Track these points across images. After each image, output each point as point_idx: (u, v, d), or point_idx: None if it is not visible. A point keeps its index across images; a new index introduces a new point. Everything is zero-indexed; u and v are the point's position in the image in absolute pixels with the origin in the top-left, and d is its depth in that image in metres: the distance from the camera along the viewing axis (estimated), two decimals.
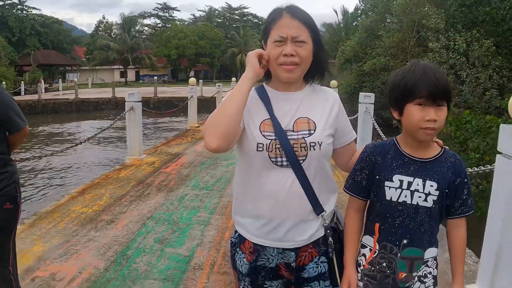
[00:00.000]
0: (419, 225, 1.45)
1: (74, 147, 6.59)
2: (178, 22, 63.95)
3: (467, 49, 12.02)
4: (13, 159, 2.57)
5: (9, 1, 44.87)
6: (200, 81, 28.30)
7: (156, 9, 70.70)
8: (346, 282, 1.54)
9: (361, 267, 1.56)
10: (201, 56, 51.68)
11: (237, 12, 71.77)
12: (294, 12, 1.48)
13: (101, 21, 60.67)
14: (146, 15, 70.28)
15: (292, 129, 1.49)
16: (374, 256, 1.52)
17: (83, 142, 6.67)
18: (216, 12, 70.02)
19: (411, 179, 1.45)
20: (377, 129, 7.04)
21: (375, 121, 7.49)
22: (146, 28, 68.66)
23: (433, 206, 1.44)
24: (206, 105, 21.70)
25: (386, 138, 1.60)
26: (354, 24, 29.72)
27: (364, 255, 1.56)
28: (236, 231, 1.64)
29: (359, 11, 26.78)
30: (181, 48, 49.48)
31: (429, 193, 1.43)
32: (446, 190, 1.45)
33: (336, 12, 36.92)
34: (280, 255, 1.55)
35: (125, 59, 50.20)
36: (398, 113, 1.46)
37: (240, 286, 1.61)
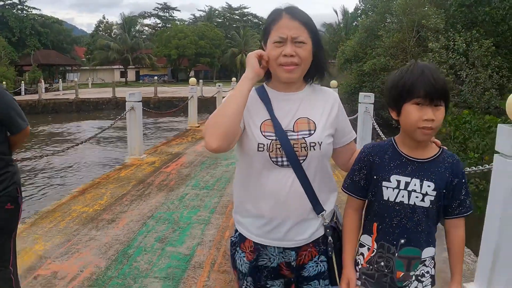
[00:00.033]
0: (416, 225, 1.46)
1: (74, 147, 6.60)
2: (178, 22, 63.97)
3: (467, 49, 12.04)
4: (15, 159, 2.57)
5: (9, 1, 44.90)
6: (200, 81, 28.32)
7: (156, 9, 70.77)
8: (345, 281, 1.55)
9: (359, 266, 1.57)
10: (201, 56, 51.70)
11: (237, 12, 71.79)
12: (294, 13, 1.49)
13: (101, 21, 60.73)
14: (146, 15, 70.34)
15: (292, 129, 1.50)
16: (372, 255, 1.53)
17: (84, 142, 6.69)
18: (216, 12, 70.05)
19: (408, 179, 1.45)
20: (377, 129, 7.06)
21: (374, 121, 7.51)
22: (146, 28, 68.77)
23: (430, 206, 1.45)
24: (206, 105, 21.71)
25: (385, 138, 1.61)
26: (354, 24, 29.74)
27: (362, 254, 1.57)
28: (236, 230, 1.65)
29: (359, 11, 26.78)
30: (181, 48, 49.50)
31: (426, 193, 1.44)
32: (444, 191, 1.45)
33: (336, 12, 36.92)
34: (280, 254, 1.56)
35: (125, 59, 50.23)
36: (396, 113, 1.46)
37: (243, 286, 1.61)
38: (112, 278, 3.23)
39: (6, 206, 2.29)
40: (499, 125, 2.69)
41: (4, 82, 27.49)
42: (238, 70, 53.23)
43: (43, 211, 4.81)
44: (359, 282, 1.55)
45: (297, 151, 1.48)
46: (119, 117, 7.53)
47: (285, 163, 1.48)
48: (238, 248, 1.63)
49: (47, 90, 33.60)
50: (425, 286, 1.50)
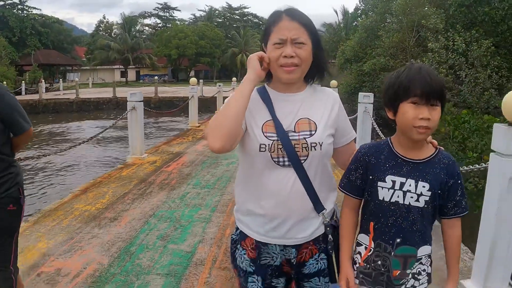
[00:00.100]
0: (411, 224, 1.47)
1: (75, 147, 6.65)
2: (178, 22, 63.96)
3: (466, 49, 12.06)
4: (18, 158, 2.57)
5: (9, 1, 44.88)
6: (201, 81, 28.33)
7: (156, 9, 70.73)
8: (344, 278, 1.57)
9: (357, 265, 1.59)
10: (202, 56, 51.69)
11: (237, 12, 71.76)
12: (293, 14, 1.51)
13: (101, 21, 60.77)
14: (146, 15, 70.31)
15: (293, 130, 1.52)
16: (369, 254, 1.55)
17: (86, 141, 6.74)
18: (217, 12, 70.02)
19: (403, 179, 1.47)
20: (376, 129, 7.11)
21: (374, 121, 7.55)
22: (147, 28, 68.72)
23: (425, 206, 1.46)
24: (207, 105, 21.77)
25: (385, 138, 1.64)
26: (354, 24, 29.72)
27: (359, 253, 1.59)
28: (237, 228, 1.68)
29: (359, 11, 26.79)
30: (181, 48, 49.50)
31: (421, 194, 1.45)
32: (439, 191, 1.47)
33: (336, 12, 36.95)
34: (281, 252, 1.58)
35: (126, 59, 50.23)
36: (393, 113, 1.48)
37: (250, 285, 1.62)
38: (115, 275, 3.28)
39: (8, 207, 2.30)
40: (495, 124, 2.74)
41: (4, 82, 27.51)
42: (239, 70, 53.26)
43: (46, 210, 4.85)
44: (357, 281, 1.57)
45: (298, 151, 1.50)
46: (121, 116, 7.58)
47: (286, 163, 1.50)
48: (238, 246, 1.65)
49: (47, 90, 33.61)
50: (422, 284, 1.52)
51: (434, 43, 12.61)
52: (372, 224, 1.54)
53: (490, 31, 12.65)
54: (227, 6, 70.99)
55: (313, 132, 1.52)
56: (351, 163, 1.60)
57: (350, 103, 13.89)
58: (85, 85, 40.57)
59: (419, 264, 1.50)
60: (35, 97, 27.63)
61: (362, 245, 1.58)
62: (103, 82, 48.74)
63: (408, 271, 1.49)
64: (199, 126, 12.59)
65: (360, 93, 8.28)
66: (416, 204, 1.45)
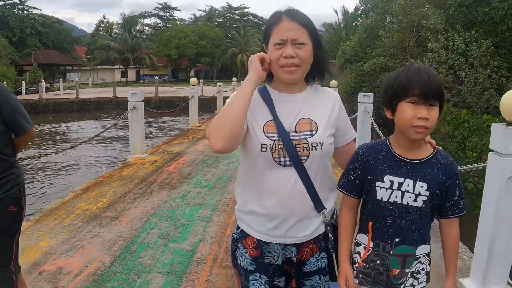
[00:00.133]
0: (410, 224, 1.48)
1: (76, 146, 6.68)
2: (178, 22, 63.99)
3: (466, 49, 12.06)
4: (19, 157, 2.59)
5: (9, 1, 44.85)
6: (201, 81, 28.35)
7: (156, 9, 70.77)
8: (343, 277, 1.58)
9: (356, 265, 1.60)
10: (202, 56, 51.71)
11: (237, 12, 71.76)
12: (293, 15, 1.52)
13: (101, 20, 60.84)
14: (146, 15, 70.33)
15: (294, 130, 1.53)
16: (368, 253, 1.56)
17: (87, 141, 6.77)
18: (217, 12, 70.02)
19: (401, 179, 1.48)
20: (376, 129, 7.13)
21: (374, 121, 7.57)
22: (147, 28, 68.75)
23: (423, 206, 1.47)
24: (207, 105, 21.78)
25: (383, 138, 1.65)
26: (354, 24, 29.73)
27: (359, 252, 1.60)
28: (238, 227, 1.69)
29: (359, 11, 26.78)
30: (181, 48, 49.52)
31: (419, 194, 1.46)
32: (437, 191, 1.47)
33: (336, 12, 36.91)
34: (282, 251, 1.60)
35: (126, 59, 50.24)
36: (391, 112, 1.49)
37: (252, 283, 1.63)
38: (117, 273, 3.30)
39: (9, 208, 2.29)
40: (493, 124, 2.76)
41: (4, 82, 27.51)
42: (239, 70, 53.26)
43: (47, 209, 4.88)
44: (356, 281, 1.58)
45: (299, 151, 1.51)
46: (122, 116, 7.61)
47: (287, 162, 1.51)
48: (239, 245, 1.66)
49: (47, 90, 33.61)
50: (421, 282, 1.53)
51: (434, 43, 12.62)
52: (370, 223, 1.55)
53: (490, 31, 12.65)
54: (227, 6, 71.01)
55: (314, 132, 1.53)
56: (349, 163, 1.61)
57: (350, 103, 13.89)
58: (85, 85, 40.58)
59: (418, 263, 1.51)
60: (35, 97, 27.66)
61: (361, 244, 1.59)
62: (103, 82, 48.75)
63: (407, 270, 1.50)
64: (199, 126, 12.62)
65: (360, 93, 8.30)
66: (414, 204, 1.46)
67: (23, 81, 32.92)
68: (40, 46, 44.11)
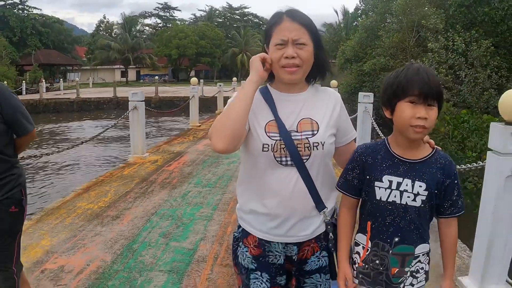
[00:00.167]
0: (409, 224, 1.49)
1: (78, 146, 6.70)
2: (178, 22, 64.02)
3: (466, 49, 12.08)
4: (21, 156, 2.59)
5: (10, 1, 44.87)
6: (201, 80, 28.37)
7: (157, 9, 70.78)
8: (342, 277, 1.59)
9: (356, 265, 1.60)
10: (202, 56, 51.72)
11: (237, 12, 71.76)
12: (294, 15, 1.52)
13: (101, 20, 60.84)
14: (147, 14, 70.33)
15: (296, 130, 1.54)
16: (367, 253, 1.56)
17: (87, 141, 6.78)
18: (217, 12, 70.04)
19: (400, 179, 1.48)
20: (376, 129, 7.15)
21: (374, 121, 7.59)
22: (147, 28, 68.72)
23: (422, 205, 1.47)
24: (207, 105, 21.81)
25: (382, 138, 1.66)
26: (354, 24, 29.73)
27: (358, 253, 1.60)
28: (239, 226, 1.70)
29: (360, 11, 26.79)
30: (181, 48, 49.54)
31: (418, 194, 1.46)
32: (435, 191, 1.48)
33: (336, 12, 36.91)
34: (284, 250, 1.61)
35: (126, 59, 50.25)
36: (390, 112, 1.49)
37: (253, 281, 1.63)
38: (118, 271, 3.32)
39: (10, 209, 2.28)
40: (492, 123, 2.78)
41: (5, 82, 27.52)
42: (239, 70, 53.28)
43: (48, 208, 4.90)
44: (356, 281, 1.59)
45: (301, 151, 1.52)
46: (123, 116, 7.63)
47: (289, 162, 1.52)
48: (240, 243, 1.67)
49: (48, 89, 33.63)
50: (420, 281, 1.54)
51: (434, 43, 12.63)
52: (369, 223, 1.55)
53: (489, 31, 12.67)
54: (227, 6, 71.02)
55: (315, 132, 1.54)
56: (348, 163, 1.61)
57: (350, 103, 13.90)
58: (86, 85, 40.61)
59: (417, 262, 1.52)
60: (35, 96, 27.70)
61: (359, 245, 1.60)
62: (103, 82, 48.77)
63: (406, 269, 1.51)
64: (199, 126, 12.64)
65: (360, 93, 8.32)
66: (413, 203, 1.47)
67: (24, 81, 32.95)
68: (40, 46, 44.11)
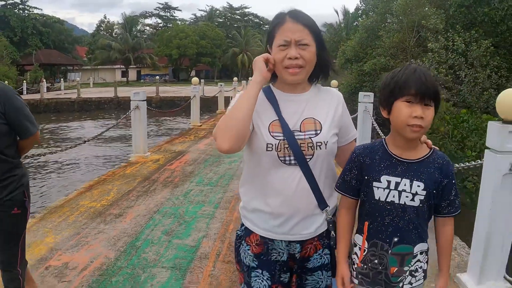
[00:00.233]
0: (408, 223, 1.49)
1: (78, 145, 6.75)
2: (179, 22, 64.12)
3: (466, 49, 12.09)
4: (25, 155, 2.51)
5: (10, 1, 44.95)
6: (202, 80, 28.38)
7: (157, 8, 70.90)
8: (339, 278, 1.60)
9: (355, 265, 1.60)
10: (202, 55, 51.76)
11: (238, 12, 71.84)
12: (297, 16, 1.53)
13: (102, 20, 60.93)
14: (147, 14, 70.44)
15: (299, 130, 1.56)
16: (364, 254, 1.57)
17: (90, 139, 6.83)
18: (217, 12, 70.14)
19: (398, 179, 1.48)
20: (377, 128, 7.18)
21: (374, 120, 7.63)
22: (148, 27, 68.80)
23: (420, 205, 1.48)
24: (208, 105, 21.86)
25: (379, 138, 1.68)
26: (354, 24, 29.71)
27: (356, 253, 1.61)
28: (242, 224, 1.72)
29: (360, 12, 26.78)
30: (182, 47, 49.57)
31: (416, 193, 1.47)
32: (434, 191, 1.48)
33: (337, 12, 36.84)
34: (287, 247, 1.63)
35: (127, 59, 50.27)
36: (387, 112, 1.50)
37: (254, 279, 1.65)
38: (122, 268, 3.37)
39: (12, 211, 2.26)
40: (489, 122, 2.82)
41: (6, 82, 27.43)
42: (239, 70, 53.37)
43: (51, 206, 4.96)
44: (356, 281, 1.60)
45: (304, 150, 1.53)
46: (125, 115, 7.68)
47: (292, 161, 1.54)
48: (243, 242, 1.68)
49: (48, 89, 33.65)
50: (418, 280, 1.55)
51: (434, 43, 12.64)
52: (366, 224, 1.56)
53: (489, 31, 12.68)
54: (228, 6, 71.10)
55: (318, 132, 1.56)
56: (346, 164, 1.62)
57: (350, 103, 13.90)
58: (86, 84, 40.66)
59: (417, 261, 1.53)
60: (36, 96, 27.76)
61: (357, 245, 1.61)
62: (104, 82, 48.81)
63: (405, 269, 1.52)
64: (200, 126, 12.69)
65: (360, 92, 8.35)
66: (412, 203, 1.48)
67: (24, 81, 32.98)
68: (41, 46, 44.16)
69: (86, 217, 4.53)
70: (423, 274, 1.56)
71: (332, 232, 1.63)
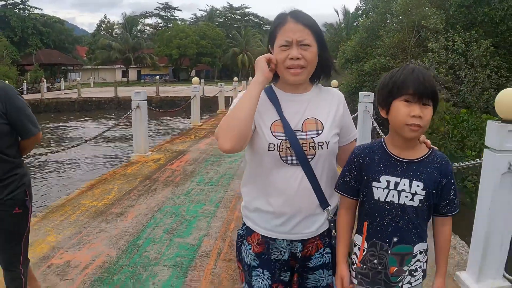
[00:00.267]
0: (407, 223, 1.49)
1: (80, 144, 6.78)
2: (179, 22, 64.18)
3: (466, 49, 12.11)
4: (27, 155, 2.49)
5: (11, 1, 45.02)
6: (202, 80, 28.39)
7: (157, 8, 70.97)
8: (339, 279, 1.61)
9: (355, 266, 1.61)
10: (203, 55, 51.79)
11: (238, 12, 71.88)
12: (298, 16, 1.54)
13: (102, 20, 60.98)
14: (147, 14, 70.51)
15: (301, 129, 1.56)
16: (364, 254, 1.57)
17: (92, 139, 6.85)
18: (218, 12, 70.19)
19: (398, 179, 1.49)
20: (377, 128, 7.21)
21: (374, 120, 7.65)
22: (148, 27, 68.89)
23: (420, 205, 1.48)
24: (208, 105, 21.87)
25: (378, 139, 1.69)
26: (355, 24, 29.72)
27: (356, 254, 1.61)
28: (243, 224, 1.72)
29: (360, 11, 26.80)
30: (182, 47, 49.60)
31: (416, 193, 1.47)
32: (433, 191, 1.49)
33: (337, 12, 36.92)
34: (288, 246, 1.64)
35: (127, 59, 50.31)
36: (386, 111, 1.50)
37: (254, 278, 1.65)
38: (124, 266, 3.40)
39: (13, 210, 2.25)
40: (488, 121, 2.84)
41: (6, 82, 27.49)
42: (239, 70, 53.40)
43: (53, 205, 4.98)
44: (355, 281, 1.60)
45: (306, 150, 1.54)
46: (126, 115, 7.71)
47: (294, 161, 1.54)
48: (244, 241, 1.69)
49: (48, 89, 33.69)
50: (417, 279, 1.56)
51: (434, 43, 12.65)
52: (366, 224, 1.56)
53: (489, 31, 12.69)
54: (228, 6, 71.15)
55: (320, 132, 1.57)
56: (345, 164, 1.63)
57: (350, 103, 13.91)
58: (87, 84, 40.69)
59: (416, 261, 1.54)
60: (36, 96, 27.78)
61: (356, 245, 1.62)
62: (104, 81, 48.84)
63: (405, 268, 1.52)
64: (201, 125, 12.72)
65: (360, 92, 8.37)
66: (411, 203, 1.48)
67: (25, 81, 33.01)
68: (41, 45, 44.23)
69: (87, 216, 4.55)
70: (422, 274, 1.57)
71: (334, 231, 1.64)
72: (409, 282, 1.54)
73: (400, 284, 1.53)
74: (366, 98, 7.94)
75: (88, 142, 6.89)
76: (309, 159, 1.55)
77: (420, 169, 1.49)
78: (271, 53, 1.60)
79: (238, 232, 1.75)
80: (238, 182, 5.93)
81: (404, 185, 1.48)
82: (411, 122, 1.41)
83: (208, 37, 51.93)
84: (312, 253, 1.66)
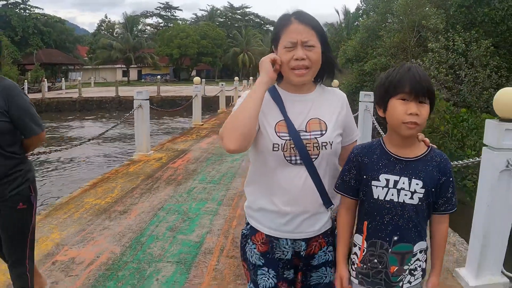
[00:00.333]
0: (407, 222, 1.50)
1: (84, 143, 6.83)
2: (180, 22, 64.26)
3: (466, 49, 12.14)
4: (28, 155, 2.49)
5: (12, 0, 45.07)
6: (203, 80, 28.42)
7: (158, 8, 71.06)
8: (338, 279, 1.63)
9: (355, 265, 1.61)
10: (203, 55, 51.85)
11: (239, 11, 71.92)
12: (302, 17, 1.54)
13: (103, 20, 61.10)
14: (148, 14, 70.58)
15: (305, 130, 1.57)
16: (364, 254, 1.58)
17: (94, 138, 6.91)
18: (218, 11, 70.23)
19: (397, 178, 1.49)
20: (377, 127, 7.25)
21: (374, 119, 7.70)
22: (149, 27, 68.99)
23: (419, 203, 1.49)
24: (209, 104, 21.92)
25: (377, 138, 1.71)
26: (355, 24, 29.77)
27: (356, 253, 1.62)
28: (247, 223, 1.74)
29: (361, 11, 26.88)
30: (183, 47, 49.66)
31: (415, 191, 1.48)
32: (432, 189, 1.49)
33: (337, 12, 37.04)
34: (292, 245, 1.65)
35: (128, 58, 50.35)
36: (383, 110, 1.51)
37: (260, 277, 1.67)
38: (128, 262, 3.44)
39: (18, 206, 2.26)
40: (486, 119, 2.89)
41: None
42: (240, 70, 53.45)
43: (56, 203, 5.02)
44: (356, 281, 1.61)
45: (310, 150, 1.55)
46: (128, 114, 7.76)
47: (298, 161, 1.56)
48: (249, 240, 1.71)
49: (49, 89, 33.70)
50: (417, 278, 1.57)
51: (434, 43, 12.68)
52: (366, 223, 1.57)
53: (489, 31, 12.72)
54: (228, 6, 71.24)
55: (323, 132, 1.58)
56: (345, 164, 1.64)
57: (351, 102, 13.84)
58: (87, 84, 40.74)
59: (416, 260, 1.54)
60: (37, 96, 27.80)
61: (356, 245, 1.62)
62: (105, 81, 48.89)
63: (405, 267, 1.53)
64: (202, 125, 12.76)
65: (361, 92, 8.42)
66: (411, 201, 1.49)
67: (25, 81, 33.00)
68: (42, 45, 44.29)
69: (91, 214, 4.60)
70: (421, 273, 1.58)
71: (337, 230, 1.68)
72: (409, 282, 1.55)
73: (400, 284, 1.54)
74: (366, 98, 7.99)
75: (90, 141, 6.92)
76: (313, 159, 1.57)
77: (419, 167, 1.50)
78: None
79: (242, 232, 1.76)
80: (240, 180, 6.00)
81: (403, 183, 1.49)
82: (408, 120, 1.42)
83: (209, 37, 51.99)
84: (315, 251, 1.68)
